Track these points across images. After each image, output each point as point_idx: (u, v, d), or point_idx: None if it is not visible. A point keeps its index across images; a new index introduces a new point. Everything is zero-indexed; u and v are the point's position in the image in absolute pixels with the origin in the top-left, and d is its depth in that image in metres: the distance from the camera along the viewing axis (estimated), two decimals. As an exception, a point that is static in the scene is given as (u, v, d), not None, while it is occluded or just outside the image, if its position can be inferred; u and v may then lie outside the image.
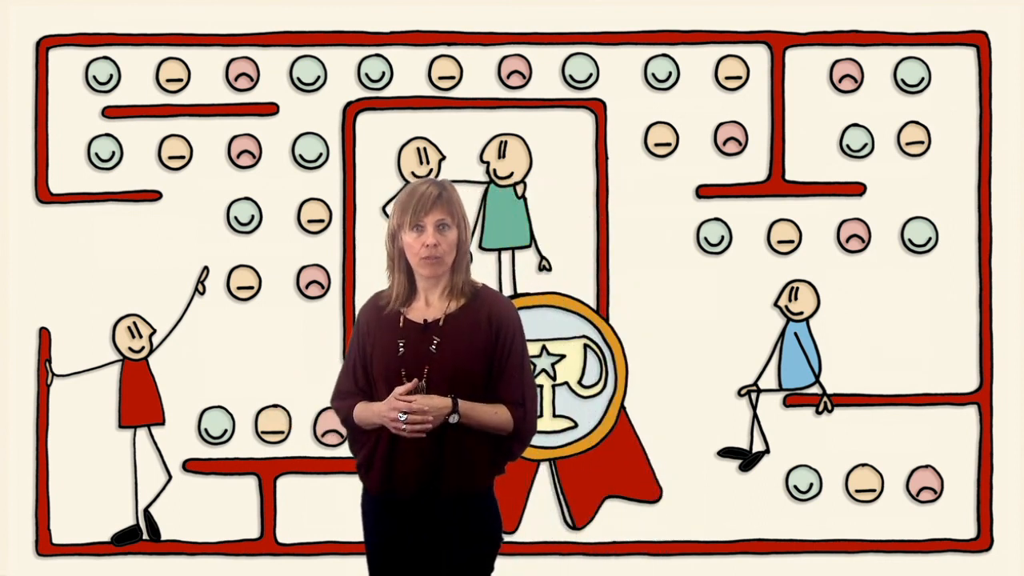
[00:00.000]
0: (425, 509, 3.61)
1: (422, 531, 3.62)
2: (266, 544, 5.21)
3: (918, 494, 5.26)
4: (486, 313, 3.62)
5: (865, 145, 5.25)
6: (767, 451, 5.25)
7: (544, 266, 5.24)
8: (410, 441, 3.57)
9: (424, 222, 3.57)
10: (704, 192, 5.24)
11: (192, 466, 5.21)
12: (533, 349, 5.17)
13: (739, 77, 5.25)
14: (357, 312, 3.74)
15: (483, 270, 5.22)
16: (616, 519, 5.23)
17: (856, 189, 5.25)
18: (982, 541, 5.25)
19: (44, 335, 5.19)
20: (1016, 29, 5.24)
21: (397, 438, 3.58)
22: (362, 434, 3.69)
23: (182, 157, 5.22)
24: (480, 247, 5.22)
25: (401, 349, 3.60)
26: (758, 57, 5.26)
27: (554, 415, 5.20)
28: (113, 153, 5.21)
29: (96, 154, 5.21)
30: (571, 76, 5.24)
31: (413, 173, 5.20)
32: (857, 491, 5.26)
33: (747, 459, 5.24)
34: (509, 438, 3.65)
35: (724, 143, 5.25)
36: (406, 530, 3.62)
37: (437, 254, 3.58)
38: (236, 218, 5.21)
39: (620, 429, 5.22)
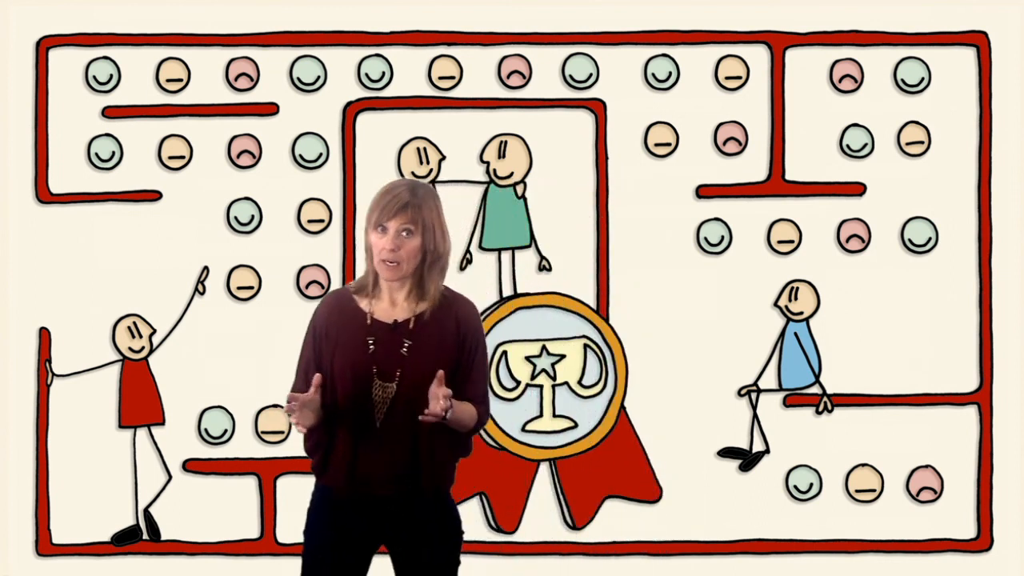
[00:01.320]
0: (401, 507, 3.63)
1: (399, 529, 3.64)
2: (266, 544, 5.21)
3: (918, 494, 5.26)
4: (453, 316, 3.64)
5: (865, 145, 5.25)
6: (767, 451, 5.25)
7: (544, 266, 5.24)
8: (380, 438, 3.59)
9: (388, 225, 3.58)
10: (704, 192, 5.24)
11: (192, 466, 5.21)
12: (533, 349, 5.18)
13: (739, 77, 5.25)
14: (314, 311, 3.74)
15: (483, 270, 5.23)
16: (616, 519, 5.23)
17: (856, 189, 5.25)
18: (982, 541, 5.25)
19: (44, 335, 5.19)
20: (1016, 29, 5.24)
21: (360, 435, 3.60)
22: (319, 433, 3.70)
23: (182, 157, 5.22)
24: (480, 247, 5.22)
25: (371, 347, 3.62)
26: (758, 57, 5.26)
27: (554, 415, 5.20)
28: (113, 153, 5.21)
29: (96, 154, 5.21)
30: (571, 76, 5.24)
31: (413, 173, 5.20)
32: (857, 491, 5.26)
33: (747, 459, 5.24)
34: (465, 435, 3.70)
35: (724, 143, 5.25)
36: (378, 529, 3.64)
37: (395, 259, 3.57)
38: (236, 218, 5.21)
39: (620, 429, 5.22)
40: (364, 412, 3.59)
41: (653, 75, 5.25)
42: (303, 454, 5.22)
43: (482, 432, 5.16)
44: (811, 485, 5.25)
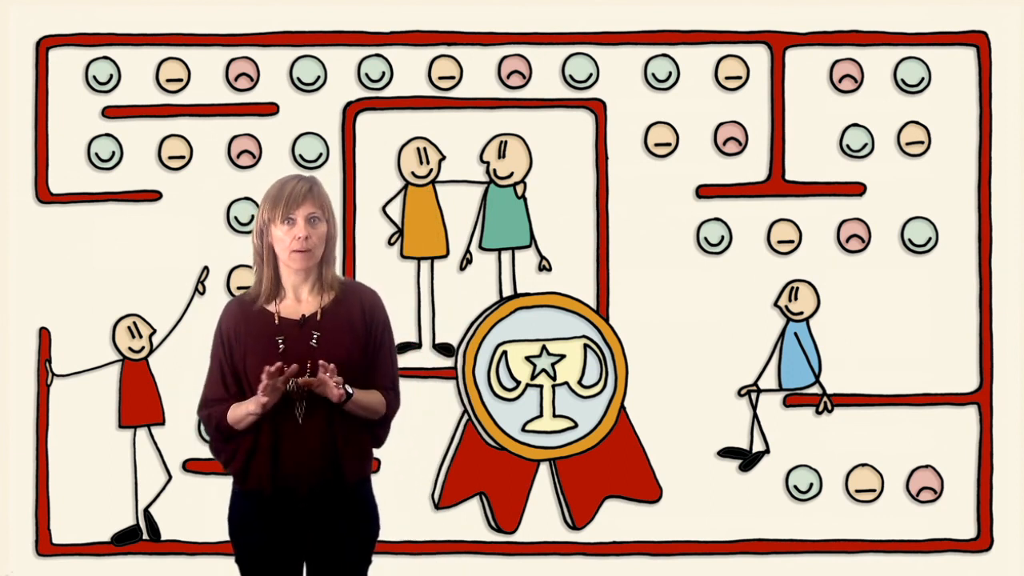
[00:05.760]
0: (323, 501, 3.65)
1: (322, 522, 3.67)
2: (266, 544, 5.21)
3: (918, 494, 5.26)
4: (358, 304, 3.73)
5: (865, 145, 5.25)
6: (767, 451, 5.25)
7: (544, 266, 5.24)
8: (303, 433, 3.63)
9: (295, 215, 3.66)
10: (704, 192, 5.24)
11: (192, 466, 5.22)
12: (533, 349, 5.18)
13: (739, 77, 5.25)
14: (218, 320, 3.78)
15: (483, 270, 5.23)
16: (616, 519, 5.24)
17: (856, 189, 5.25)
18: (982, 541, 5.25)
19: (44, 335, 5.19)
20: (1016, 29, 5.24)
21: (281, 434, 3.64)
22: (236, 436, 3.72)
23: (182, 157, 5.22)
24: (480, 247, 5.22)
25: (281, 346, 3.65)
26: (758, 57, 5.26)
27: (554, 415, 5.20)
28: (113, 153, 5.22)
29: (96, 154, 5.21)
30: (571, 76, 5.24)
31: (413, 173, 5.21)
32: (857, 491, 5.26)
33: (747, 459, 5.24)
34: (378, 423, 3.76)
35: (724, 143, 5.25)
36: (305, 524, 3.68)
37: (308, 246, 3.66)
38: (236, 218, 5.22)
39: (620, 429, 5.22)
40: (282, 411, 3.63)
41: (653, 75, 5.25)
42: (303, 454, 5.23)
43: (482, 432, 5.17)
44: (811, 485, 5.25)
